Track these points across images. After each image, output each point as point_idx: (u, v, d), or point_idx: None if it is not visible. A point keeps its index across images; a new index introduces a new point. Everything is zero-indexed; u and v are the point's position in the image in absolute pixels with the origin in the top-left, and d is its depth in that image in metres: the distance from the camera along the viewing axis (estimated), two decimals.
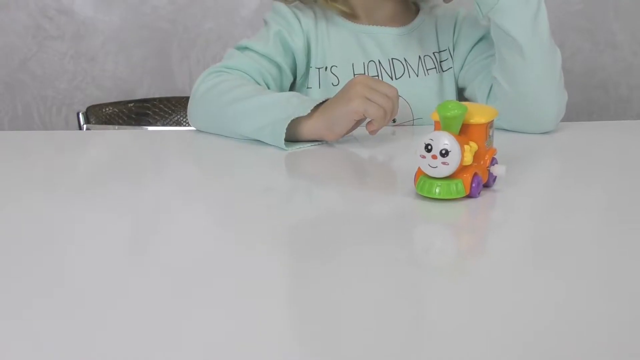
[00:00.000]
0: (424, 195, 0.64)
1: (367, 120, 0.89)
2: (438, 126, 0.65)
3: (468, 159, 0.62)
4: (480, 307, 0.44)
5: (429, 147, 0.62)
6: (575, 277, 0.49)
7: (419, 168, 0.65)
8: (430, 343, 0.40)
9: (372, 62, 1.08)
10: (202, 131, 1.01)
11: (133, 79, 1.89)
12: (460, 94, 1.14)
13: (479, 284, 0.49)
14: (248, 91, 0.96)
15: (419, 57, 1.09)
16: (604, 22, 1.86)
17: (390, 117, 0.89)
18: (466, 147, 0.63)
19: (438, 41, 1.12)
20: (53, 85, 1.88)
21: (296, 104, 0.90)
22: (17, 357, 0.38)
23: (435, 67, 1.10)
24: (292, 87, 1.11)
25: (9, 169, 0.83)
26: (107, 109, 1.63)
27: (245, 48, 1.05)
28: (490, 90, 1.03)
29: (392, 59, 1.08)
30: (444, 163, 0.62)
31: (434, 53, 1.11)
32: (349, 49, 1.09)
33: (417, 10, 1.14)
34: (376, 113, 0.87)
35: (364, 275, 0.50)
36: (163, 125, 1.69)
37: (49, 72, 1.87)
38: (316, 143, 0.92)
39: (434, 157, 0.62)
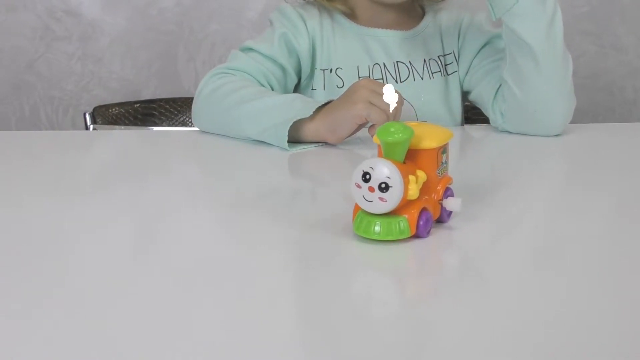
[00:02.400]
0: (361, 235, 0.54)
1: (370, 123, 0.90)
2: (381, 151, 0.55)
3: (413, 192, 0.53)
4: None
5: (367, 176, 0.52)
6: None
7: None
8: None
9: (377, 65, 1.08)
10: (206, 132, 1.01)
11: (139, 81, 1.90)
12: (465, 98, 1.14)
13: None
14: (251, 93, 0.97)
15: (424, 60, 1.09)
16: (609, 25, 1.86)
17: (392, 119, 0.90)
18: (411, 178, 0.53)
19: (443, 45, 1.12)
20: (60, 86, 1.89)
21: (299, 106, 0.91)
22: (21, 355, 0.38)
23: (440, 71, 1.10)
24: (296, 89, 1.11)
25: (15, 169, 0.84)
26: (114, 110, 1.64)
27: (250, 49, 1.06)
28: (495, 94, 1.03)
29: (397, 62, 1.09)
30: (381, 199, 0.52)
31: (438, 56, 1.11)
32: (354, 52, 1.09)
33: (422, 14, 1.14)
34: (379, 118, 0.87)
35: (365, 276, 0.50)
36: (169, 125, 1.69)
37: (56, 73, 1.88)
38: (319, 144, 0.92)
39: (371, 189, 0.52)
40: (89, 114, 1.57)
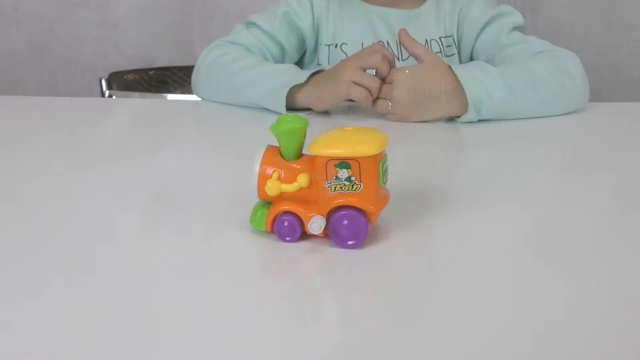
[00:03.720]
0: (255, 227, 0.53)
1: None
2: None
3: (268, 188, 0.51)
4: None
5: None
6: None
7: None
8: None
9: (381, 42, 1.12)
10: (206, 100, 1.07)
11: (155, 48, 1.94)
12: None
13: None
14: (249, 62, 1.03)
15: (426, 40, 1.11)
16: (617, 2, 1.87)
17: (375, 94, 0.94)
18: (275, 174, 0.51)
19: (445, 26, 1.14)
20: (78, 51, 1.94)
21: (294, 73, 0.98)
22: (29, 328, 0.43)
23: (441, 51, 1.13)
24: (301, 65, 1.16)
25: (34, 134, 0.89)
26: (129, 76, 1.69)
27: (253, 24, 1.11)
28: None
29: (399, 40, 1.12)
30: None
31: (440, 38, 1.13)
32: (359, 28, 1.13)
33: None
34: (360, 95, 0.93)
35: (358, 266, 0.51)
36: (182, 92, 1.74)
37: (75, 38, 1.93)
38: (310, 111, 0.98)
39: None
40: (105, 79, 1.62)
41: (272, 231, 0.52)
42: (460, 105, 0.93)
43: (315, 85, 0.96)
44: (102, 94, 1.59)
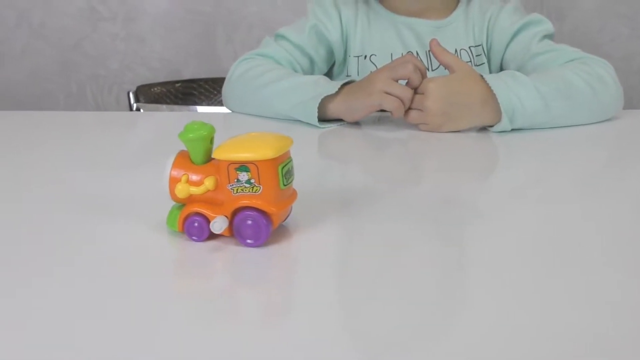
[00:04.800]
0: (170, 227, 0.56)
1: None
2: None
3: (178, 190, 0.54)
4: None
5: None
6: None
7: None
8: None
9: (411, 53, 1.12)
10: (238, 112, 1.08)
11: (179, 60, 1.96)
12: None
13: None
14: (279, 74, 1.03)
15: (455, 50, 1.11)
16: None
17: (407, 105, 0.93)
18: (184, 177, 0.55)
19: (474, 36, 1.14)
20: (105, 65, 1.96)
21: (324, 84, 0.98)
22: (52, 325, 0.43)
23: (471, 61, 1.12)
24: (330, 76, 1.16)
25: (60, 148, 0.89)
26: (156, 89, 1.71)
27: (282, 37, 1.12)
28: None
29: (428, 51, 1.12)
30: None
31: (470, 47, 1.13)
32: (388, 39, 1.13)
33: (457, 3, 1.17)
34: (392, 105, 0.93)
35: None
36: (208, 104, 1.75)
37: (102, 52, 1.95)
38: (343, 122, 0.99)
39: None
40: (133, 92, 1.64)
41: (183, 231, 0.55)
42: (493, 115, 0.92)
43: (346, 96, 0.96)
44: (130, 107, 1.61)
